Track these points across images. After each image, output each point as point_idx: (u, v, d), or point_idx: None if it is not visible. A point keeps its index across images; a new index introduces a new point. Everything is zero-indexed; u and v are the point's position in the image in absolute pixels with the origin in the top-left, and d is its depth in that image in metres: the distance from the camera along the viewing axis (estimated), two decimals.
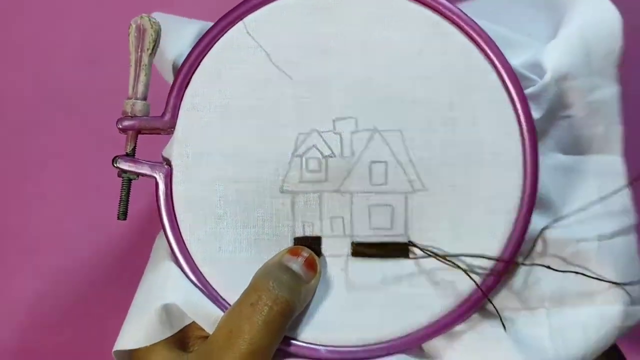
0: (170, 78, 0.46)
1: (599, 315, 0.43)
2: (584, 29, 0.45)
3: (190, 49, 0.43)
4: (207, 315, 0.40)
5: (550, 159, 0.45)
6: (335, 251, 0.42)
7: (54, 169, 0.60)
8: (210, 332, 0.40)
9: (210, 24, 0.47)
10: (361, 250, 0.42)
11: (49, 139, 0.60)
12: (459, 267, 0.41)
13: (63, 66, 0.61)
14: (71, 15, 0.61)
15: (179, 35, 0.45)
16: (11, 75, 0.60)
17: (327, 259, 0.42)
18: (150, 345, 0.40)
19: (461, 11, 0.42)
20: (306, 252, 0.41)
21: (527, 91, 0.44)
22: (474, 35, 0.42)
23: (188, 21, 0.47)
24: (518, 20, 0.50)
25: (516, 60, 0.45)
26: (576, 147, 0.46)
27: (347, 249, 0.42)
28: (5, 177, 0.60)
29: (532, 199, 0.42)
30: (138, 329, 0.40)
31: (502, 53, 0.42)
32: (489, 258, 0.41)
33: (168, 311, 0.40)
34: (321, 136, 0.42)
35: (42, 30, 0.61)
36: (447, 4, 0.42)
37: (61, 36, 0.61)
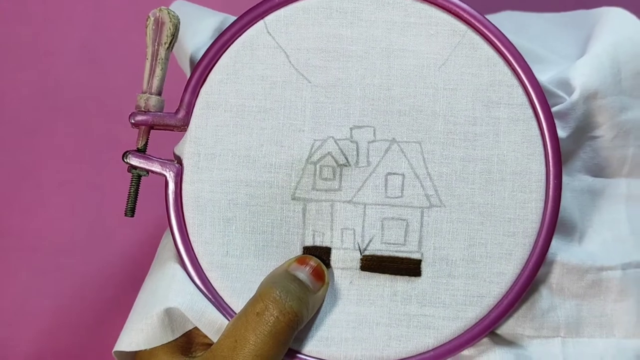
0: (187, 70, 0.45)
1: (617, 348, 0.41)
2: (614, 48, 0.44)
3: (209, 44, 0.42)
4: (210, 322, 0.39)
5: (577, 181, 0.44)
6: (344, 264, 0.41)
7: (55, 169, 0.59)
8: (213, 340, 0.39)
9: (232, 17, 0.46)
10: (370, 264, 0.40)
11: (50, 139, 0.59)
12: None
13: (63, 67, 0.60)
14: (71, 15, 0.61)
15: (198, 27, 0.44)
16: (11, 76, 0.60)
17: (336, 271, 0.41)
18: (152, 349, 0.39)
19: (490, 22, 0.41)
20: (314, 262, 0.40)
21: (555, 109, 0.42)
22: (502, 48, 0.41)
23: (209, 13, 0.46)
24: (540, 38, 0.48)
25: (543, 77, 0.43)
26: (605, 169, 0.45)
27: (357, 263, 0.41)
28: (7, 177, 0.59)
29: (552, 224, 0.40)
30: (139, 331, 0.39)
31: (529, 68, 0.41)
32: None
33: (170, 315, 0.39)
34: (337, 144, 0.41)
35: (43, 30, 0.60)
36: (477, 14, 0.41)
37: (61, 36, 0.61)
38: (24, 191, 0.58)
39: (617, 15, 0.46)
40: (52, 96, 0.60)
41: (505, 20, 0.51)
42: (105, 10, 0.61)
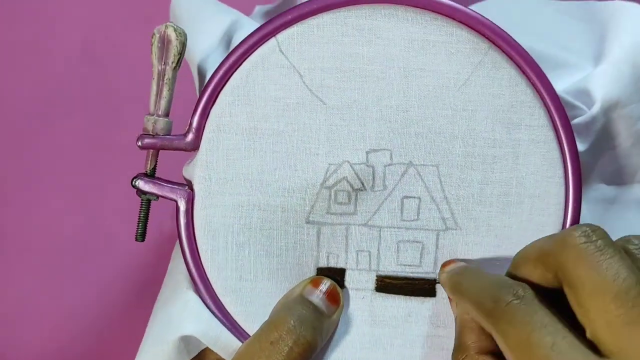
0: (195, 74, 0.43)
1: None
2: (633, 52, 0.42)
3: (217, 49, 0.40)
4: (225, 346, 0.39)
5: (593, 191, 0.43)
6: (359, 285, 0.40)
7: (55, 169, 0.58)
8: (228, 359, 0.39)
9: (242, 16, 0.43)
10: (386, 284, 0.40)
11: (50, 138, 0.58)
12: None
13: (63, 67, 0.58)
14: (71, 15, 0.59)
15: (206, 28, 0.42)
16: (11, 76, 0.58)
17: (351, 292, 0.41)
18: None
19: (513, 39, 0.39)
20: (329, 283, 0.40)
21: (574, 122, 0.41)
22: (524, 66, 0.39)
23: (216, 8, 0.44)
24: (551, 33, 0.46)
25: (561, 83, 0.42)
26: (619, 177, 0.44)
27: (372, 284, 0.40)
28: (7, 178, 0.58)
29: None
30: (155, 355, 0.39)
31: (552, 87, 0.39)
32: None
33: (186, 341, 0.39)
34: (353, 168, 0.39)
35: (43, 30, 0.58)
36: (500, 30, 0.39)
37: (61, 36, 0.59)
38: (24, 191, 0.57)
39: (634, 14, 0.44)
40: (52, 96, 0.58)
41: (511, 6, 0.49)
42: (106, 9, 0.58)
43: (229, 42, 0.42)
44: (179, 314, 0.39)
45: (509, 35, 0.39)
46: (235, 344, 0.39)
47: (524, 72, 0.39)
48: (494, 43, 0.39)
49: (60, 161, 0.58)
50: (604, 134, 0.43)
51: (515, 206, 0.40)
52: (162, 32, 0.38)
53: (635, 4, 0.45)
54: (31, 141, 0.58)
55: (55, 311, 0.57)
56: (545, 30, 0.47)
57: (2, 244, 0.58)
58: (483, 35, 0.39)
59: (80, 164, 0.57)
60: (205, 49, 0.42)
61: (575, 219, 0.40)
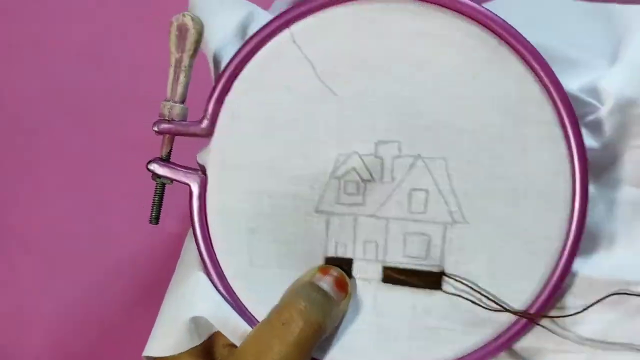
0: (211, 64, 0.44)
1: None
2: None
3: (232, 41, 0.42)
4: (234, 329, 0.40)
5: (617, 192, 0.43)
6: (366, 275, 0.41)
7: (57, 170, 0.59)
8: (237, 344, 0.40)
9: (257, 9, 0.45)
10: (392, 275, 0.41)
11: (51, 138, 0.59)
12: (492, 301, 0.40)
13: (65, 66, 0.59)
14: (73, 14, 0.60)
15: (221, 21, 0.43)
16: (13, 75, 0.59)
17: (358, 282, 0.41)
18: (177, 355, 0.40)
19: (521, 35, 0.40)
20: (336, 272, 0.40)
21: (587, 119, 0.41)
22: (533, 62, 0.40)
23: (232, 3, 0.45)
24: (572, 31, 0.46)
25: (574, 84, 0.42)
26: None
27: (378, 274, 0.41)
28: (9, 177, 0.59)
29: (575, 245, 0.40)
30: (166, 337, 0.40)
31: (560, 84, 0.40)
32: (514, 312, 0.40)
33: (197, 323, 0.40)
34: (362, 159, 0.40)
35: (45, 29, 0.60)
36: (509, 27, 0.40)
37: (64, 36, 0.60)
38: (26, 191, 0.58)
39: None
40: (54, 96, 0.59)
41: (533, 4, 0.50)
42: (109, 9, 0.59)
43: (244, 33, 0.43)
44: (190, 295, 0.40)
45: (517, 31, 0.39)
46: (243, 327, 0.40)
47: (532, 68, 0.40)
48: (502, 39, 0.40)
49: (60, 161, 0.58)
50: (621, 132, 0.42)
51: (522, 201, 0.40)
52: (180, 21, 0.40)
53: None
54: (31, 140, 0.58)
55: (55, 310, 0.58)
56: (565, 30, 0.47)
57: (3, 243, 0.59)
58: (492, 30, 0.40)
59: (81, 164, 0.58)
60: (220, 39, 0.43)
61: (582, 216, 0.40)
